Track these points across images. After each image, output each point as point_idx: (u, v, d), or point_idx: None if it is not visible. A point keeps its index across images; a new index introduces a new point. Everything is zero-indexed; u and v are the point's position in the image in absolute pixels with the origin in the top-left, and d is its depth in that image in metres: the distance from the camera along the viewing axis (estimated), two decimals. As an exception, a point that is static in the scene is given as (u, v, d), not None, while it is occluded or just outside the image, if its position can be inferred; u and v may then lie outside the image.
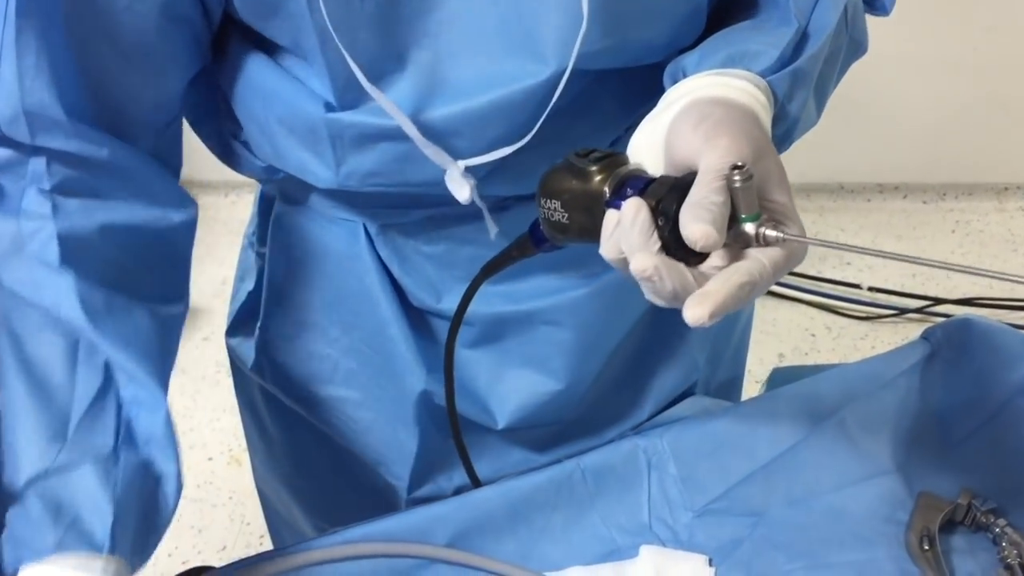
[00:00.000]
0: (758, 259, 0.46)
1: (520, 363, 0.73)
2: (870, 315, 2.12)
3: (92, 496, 0.52)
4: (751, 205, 0.46)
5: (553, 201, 0.53)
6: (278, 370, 0.80)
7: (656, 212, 0.47)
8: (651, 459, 0.73)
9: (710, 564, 0.67)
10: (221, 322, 2.54)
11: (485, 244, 0.66)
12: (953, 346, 0.78)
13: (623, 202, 0.48)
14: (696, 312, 0.44)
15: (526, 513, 0.70)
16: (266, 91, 0.63)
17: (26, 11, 0.53)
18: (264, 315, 0.78)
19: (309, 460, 0.86)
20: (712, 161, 0.46)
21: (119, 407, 0.56)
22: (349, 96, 0.60)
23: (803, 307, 2.15)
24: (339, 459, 0.81)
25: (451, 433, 0.72)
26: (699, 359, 0.79)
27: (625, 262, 0.47)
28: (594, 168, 0.50)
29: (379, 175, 0.63)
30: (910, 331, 2.09)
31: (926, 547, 0.67)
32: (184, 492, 1.92)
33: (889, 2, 0.66)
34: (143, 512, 0.54)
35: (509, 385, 0.74)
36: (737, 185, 0.45)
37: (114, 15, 0.56)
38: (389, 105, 0.58)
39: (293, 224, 0.73)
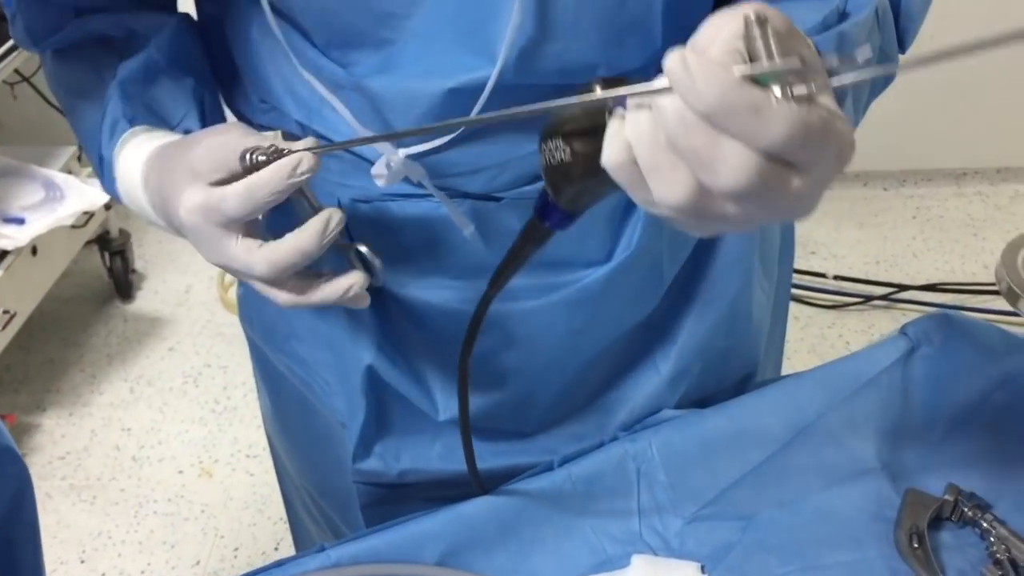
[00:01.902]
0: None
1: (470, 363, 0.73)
2: (836, 303, 2.14)
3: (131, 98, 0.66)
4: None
5: (554, 140, 0.47)
6: (262, 321, 0.81)
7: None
8: (640, 466, 0.72)
9: (703, 571, 0.67)
10: (187, 331, 2.53)
11: (445, 239, 0.66)
12: (932, 342, 0.78)
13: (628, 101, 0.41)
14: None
15: (516, 526, 0.69)
16: (265, 29, 0.64)
17: None
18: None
19: (289, 417, 0.86)
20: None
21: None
22: (333, 54, 0.62)
23: (770, 298, 2.17)
24: (311, 420, 0.81)
25: (397, 418, 0.73)
26: (671, 398, 0.77)
27: (631, 166, 0.41)
28: (598, 87, 0.43)
29: (348, 130, 0.64)
30: (876, 318, 2.11)
31: (916, 545, 0.67)
32: (154, 507, 1.92)
33: (910, 40, 0.63)
34: None
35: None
36: (755, 34, 0.38)
37: None
38: (326, 94, 0.61)
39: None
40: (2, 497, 0.73)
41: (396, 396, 0.74)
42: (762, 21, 0.38)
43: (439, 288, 0.69)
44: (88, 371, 2.07)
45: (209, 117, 0.68)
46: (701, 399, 0.79)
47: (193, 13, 0.72)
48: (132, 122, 0.65)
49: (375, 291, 0.73)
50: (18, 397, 2.00)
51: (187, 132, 0.65)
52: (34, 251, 1.81)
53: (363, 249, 0.60)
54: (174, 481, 1.83)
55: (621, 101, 0.41)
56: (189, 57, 0.69)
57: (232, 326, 2.11)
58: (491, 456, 0.74)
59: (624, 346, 0.75)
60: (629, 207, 0.69)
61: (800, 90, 0.37)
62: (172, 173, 0.58)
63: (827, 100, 0.39)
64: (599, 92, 0.42)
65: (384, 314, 0.73)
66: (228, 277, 2.25)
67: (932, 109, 2.30)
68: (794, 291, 2.17)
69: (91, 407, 1.99)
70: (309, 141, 0.56)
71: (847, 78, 0.39)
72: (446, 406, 0.74)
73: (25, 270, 1.79)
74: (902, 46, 0.64)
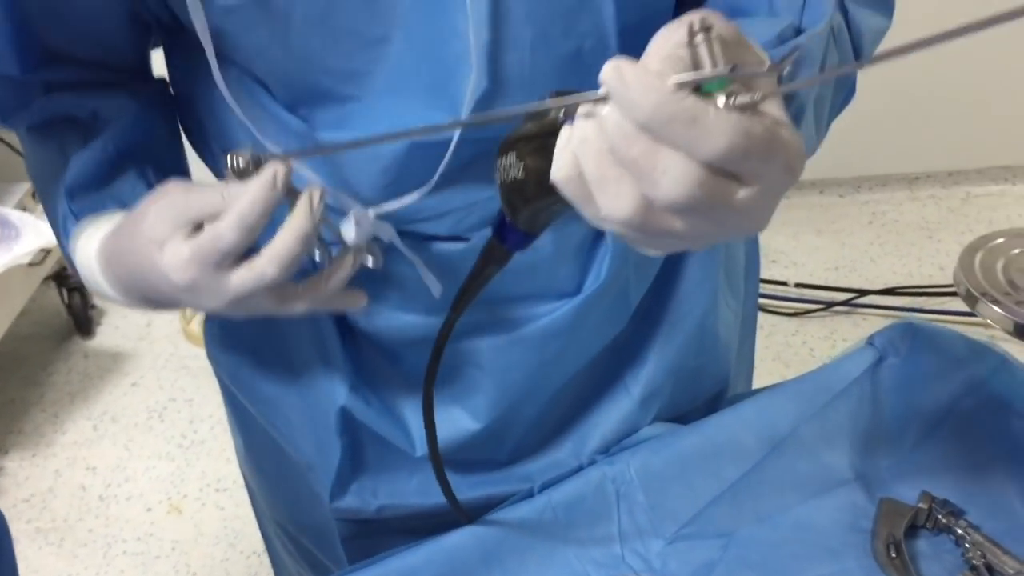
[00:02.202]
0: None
1: (446, 397, 0.73)
2: (799, 311, 2.17)
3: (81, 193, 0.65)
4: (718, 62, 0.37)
5: (508, 156, 0.46)
6: (230, 360, 0.80)
7: None
8: (620, 488, 0.73)
9: (686, 590, 0.67)
10: (150, 365, 2.49)
11: (415, 278, 0.66)
12: (899, 351, 0.79)
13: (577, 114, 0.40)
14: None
15: (499, 556, 0.69)
16: (243, 89, 0.64)
17: None
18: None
19: (259, 455, 0.86)
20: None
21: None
22: (300, 112, 0.62)
23: (734, 308, 2.19)
24: (282, 459, 0.81)
25: (373, 456, 0.73)
26: (643, 420, 0.77)
27: (578, 181, 0.40)
28: (550, 101, 0.42)
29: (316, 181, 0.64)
30: (838, 324, 2.14)
31: (893, 554, 0.68)
32: (124, 547, 1.88)
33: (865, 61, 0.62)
34: None
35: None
36: (699, 40, 0.37)
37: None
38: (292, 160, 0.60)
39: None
40: None
41: (371, 434, 0.73)
42: (706, 28, 0.37)
43: (412, 323, 0.69)
44: (50, 410, 2.03)
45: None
46: (674, 418, 0.79)
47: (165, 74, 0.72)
48: (78, 217, 0.64)
49: (346, 328, 0.72)
50: (-22, 440, 1.96)
51: None
52: (-9, 291, 1.78)
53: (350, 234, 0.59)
54: (143, 519, 1.80)
55: (570, 118, 0.41)
56: (148, 146, 0.68)
57: (196, 358, 2.08)
58: (468, 488, 0.74)
59: (594, 370, 0.75)
60: (597, 238, 0.69)
61: (744, 99, 0.36)
62: (134, 254, 0.57)
63: (774, 109, 0.39)
64: (549, 101, 0.42)
65: (356, 352, 0.73)
66: (190, 309, 2.22)
67: (884, 115, 2.34)
68: (757, 300, 2.20)
69: (54, 447, 1.95)
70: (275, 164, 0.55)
71: (795, 84, 0.39)
72: (423, 442, 0.73)
73: (-18, 310, 1.76)
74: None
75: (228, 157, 0.53)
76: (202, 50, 0.63)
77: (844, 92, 0.63)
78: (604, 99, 0.38)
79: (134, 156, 0.67)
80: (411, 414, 0.74)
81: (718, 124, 0.35)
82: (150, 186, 0.65)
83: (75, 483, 1.87)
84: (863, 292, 2.17)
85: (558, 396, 0.75)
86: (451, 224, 0.64)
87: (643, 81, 0.36)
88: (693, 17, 0.38)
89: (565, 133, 0.41)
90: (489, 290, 0.58)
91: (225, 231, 0.53)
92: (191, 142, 0.72)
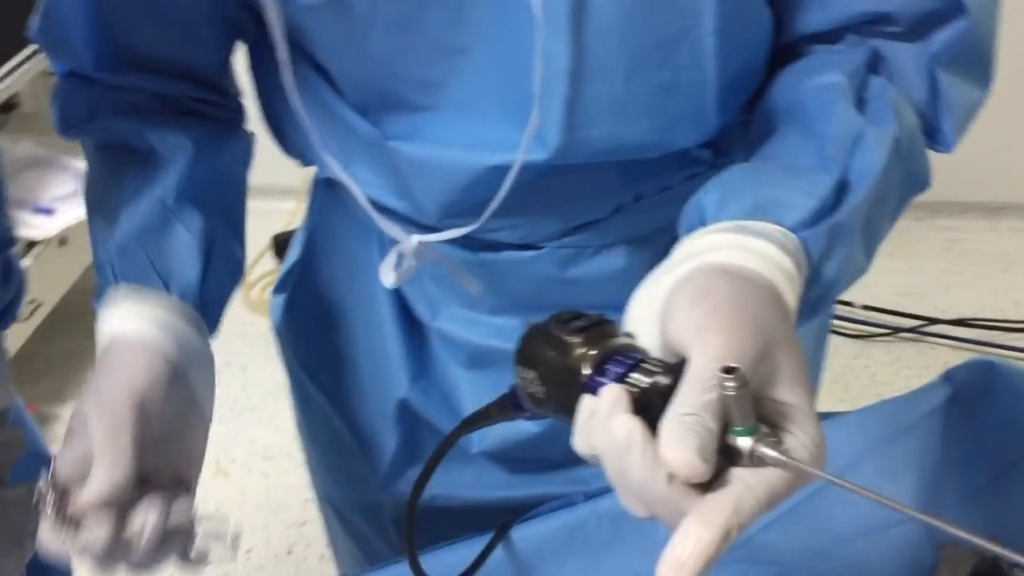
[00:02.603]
0: (751, 487, 0.38)
1: None
2: (863, 333, 2.11)
3: (129, 250, 0.62)
4: (746, 415, 0.37)
5: (529, 371, 0.46)
6: (297, 339, 0.81)
7: (638, 406, 0.39)
8: (669, 504, 0.71)
9: (730, 616, 0.65)
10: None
11: (482, 279, 0.66)
12: (975, 389, 0.76)
13: (602, 389, 0.40)
14: None
15: (537, 562, 0.68)
16: (311, 89, 0.63)
17: None
18: (293, 287, 0.81)
19: (315, 432, 0.87)
20: (702, 364, 0.38)
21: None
22: (369, 116, 0.61)
23: (797, 324, 2.15)
24: (337, 439, 0.82)
25: (428, 447, 0.73)
26: None
27: (598, 460, 0.41)
28: (575, 340, 0.43)
29: (379, 185, 0.64)
30: (903, 350, 2.08)
31: (952, 602, 0.65)
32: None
33: (952, 138, 0.59)
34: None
35: None
36: (730, 394, 0.37)
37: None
38: (346, 178, 0.61)
39: (327, 212, 0.76)
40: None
41: (428, 425, 0.73)
42: (742, 384, 0.37)
43: (477, 324, 0.69)
44: (109, 364, 2.07)
45: (216, 260, 0.64)
46: None
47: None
48: (118, 277, 0.61)
49: (409, 321, 0.72)
50: (39, 387, 2.00)
51: (182, 295, 0.61)
52: (62, 242, 1.81)
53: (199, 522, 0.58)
54: (189, 479, 1.82)
55: (597, 376, 0.41)
56: (202, 192, 0.65)
57: (254, 326, 2.10)
58: (520, 485, 0.73)
59: None
60: (669, 251, 0.68)
61: (769, 453, 0.37)
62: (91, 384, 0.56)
63: (794, 443, 0.39)
64: (579, 345, 0.43)
65: (419, 345, 0.73)
66: (252, 276, 2.24)
67: (969, 141, 2.26)
68: (821, 318, 2.15)
69: (110, 400, 1.99)
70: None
71: (829, 478, 0.40)
72: (481, 438, 0.73)
73: (52, 261, 1.80)
74: (947, 145, 0.60)
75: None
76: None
77: (911, 192, 0.58)
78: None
79: (191, 202, 0.63)
80: (468, 409, 0.72)
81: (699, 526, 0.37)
82: (206, 247, 0.63)
83: (127, 437, 1.91)
84: (932, 320, 2.11)
85: None
86: (522, 235, 0.64)
87: (643, 470, 0.37)
88: (728, 364, 0.38)
89: (586, 408, 0.42)
90: (555, 300, 0.57)
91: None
92: (271, 129, 0.71)
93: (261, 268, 2.28)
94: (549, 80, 0.53)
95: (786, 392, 0.39)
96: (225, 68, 0.68)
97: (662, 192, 0.64)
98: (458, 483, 0.75)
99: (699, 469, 0.36)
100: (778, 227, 0.46)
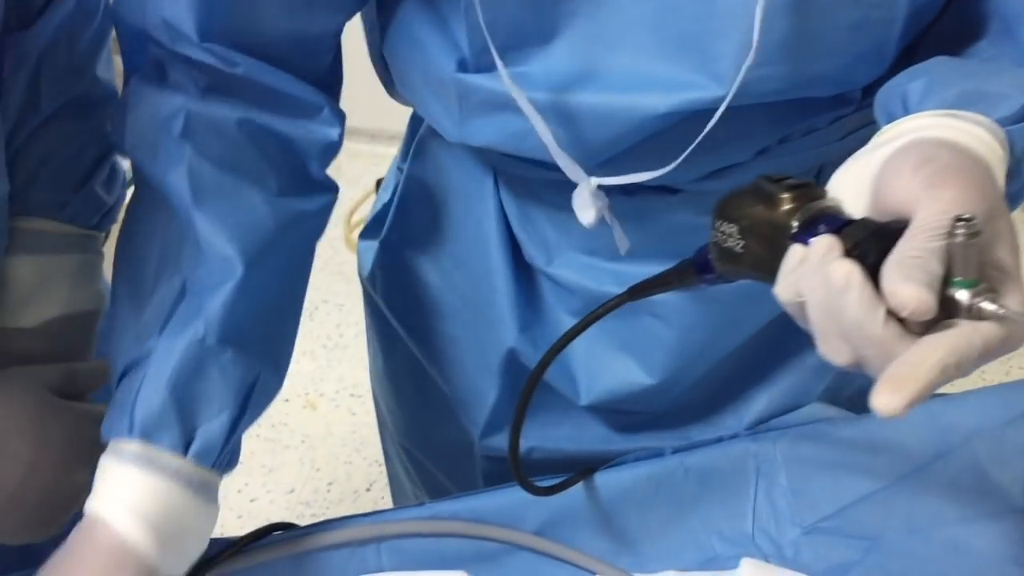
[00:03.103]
0: (968, 334, 0.38)
1: (618, 347, 0.70)
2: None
3: (156, 397, 0.55)
4: (969, 268, 0.38)
5: (730, 225, 0.46)
6: (389, 285, 0.80)
7: (851, 256, 0.40)
8: (760, 466, 0.68)
9: (816, 587, 0.63)
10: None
11: (605, 222, 0.62)
12: (1104, 381, 0.71)
13: (812, 239, 0.41)
14: (889, 401, 0.36)
15: (621, 508, 0.66)
16: (412, 38, 0.61)
17: None
18: (388, 228, 0.78)
19: (400, 380, 0.86)
20: (932, 213, 0.39)
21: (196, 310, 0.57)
22: (485, 59, 0.56)
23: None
24: (426, 387, 0.80)
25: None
26: (816, 387, 0.73)
27: (801, 307, 0.42)
28: (785, 195, 0.44)
29: (498, 144, 0.61)
30: (1017, 349, 1.98)
31: (1058, 599, 0.61)
32: (257, 431, 1.94)
33: None
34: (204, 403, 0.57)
35: (602, 366, 0.71)
36: (959, 240, 0.38)
37: None
38: (525, 104, 0.54)
39: (432, 150, 0.72)
40: None
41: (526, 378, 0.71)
42: (972, 233, 0.38)
43: (592, 269, 0.67)
44: (212, 290, 2.13)
45: (250, 409, 0.59)
46: (847, 396, 0.74)
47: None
48: (133, 428, 0.55)
49: (522, 267, 0.70)
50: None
51: (198, 457, 0.56)
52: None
53: None
54: (279, 408, 1.86)
55: (806, 233, 0.42)
56: (243, 328, 0.58)
57: (353, 266, 2.13)
58: (620, 440, 0.72)
59: (770, 333, 0.71)
60: None
61: (989, 307, 0.38)
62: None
63: (1015, 303, 0.39)
64: (785, 197, 0.44)
65: (530, 293, 0.71)
66: (355, 217, 2.27)
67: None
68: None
69: (210, 325, 2.05)
70: None
71: None
72: (588, 390, 0.71)
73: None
74: None
75: None
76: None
77: None
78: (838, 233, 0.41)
79: (232, 341, 0.57)
80: (578, 360, 0.71)
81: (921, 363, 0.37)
82: (245, 391, 0.58)
83: (223, 363, 1.96)
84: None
85: (731, 357, 0.71)
86: (666, 178, 0.60)
87: (861, 308, 0.38)
88: (961, 212, 0.38)
89: (795, 256, 0.42)
90: (683, 246, 0.54)
91: None
92: (385, 72, 0.68)
93: (364, 210, 2.30)
94: (737, 10, 0.51)
95: (1006, 256, 0.40)
96: (331, 57, 0.63)
97: (807, 135, 0.61)
98: (555, 436, 0.74)
99: (926, 302, 0.36)
100: (985, 119, 0.46)
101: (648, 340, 0.69)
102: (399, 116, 0.74)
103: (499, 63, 0.53)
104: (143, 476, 0.53)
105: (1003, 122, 0.46)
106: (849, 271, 0.38)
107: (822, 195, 0.45)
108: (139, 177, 0.59)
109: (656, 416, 0.73)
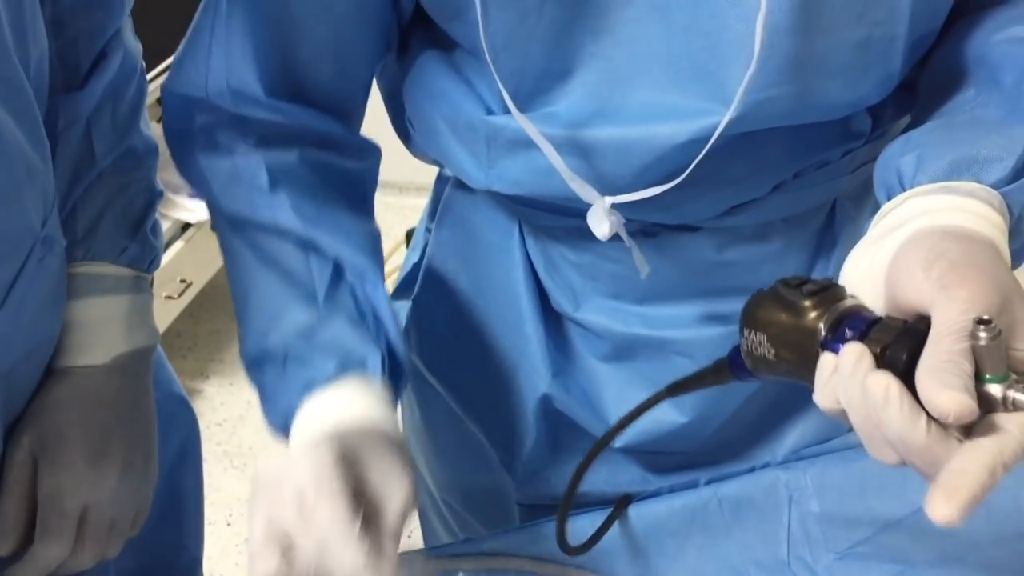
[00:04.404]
0: (1007, 428, 0.38)
1: (649, 388, 0.70)
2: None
3: (354, 336, 0.60)
4: (997, 364, 0.39)
5: (758, 334, 0.47)
6: (423, 341, 0.81)
7: (881, 361, 0.41)
8: (792, 494, 0.70)
9: (852, 611, 0.64)
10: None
11: (630, 264, 0.64)
12: None
13: (841, 345, 0.42)
14: (945, 511, 0.37)
15: (657, 537, 0.68)
16: (435, 90, 0.64)
17: (236, 2, 0.61)
18: (420, 287, 0.80)
19: (437, 433, 0.87)
20: (952, 317, 0.40)
21: (351, 287, 0.62)
22: (520, 100, 0.59)
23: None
24: (464, 439, 0.82)
25: (566, 444, 0.73)
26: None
27: (843, 413, 0.42)
28: (808, 303, 0.45)
29: (525, 184, 0.63)
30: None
31: (1095, 617, 0.61)
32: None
33: None
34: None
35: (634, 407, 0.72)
36: (983, 343, 0.38)
37: (311, 13, 0.61)
38: (536, 134, 0.57)
39: (458, 208, 0.75)
40: (172, 443, 0.77)
41: (568, 421, 0.73)
42: (994, 336, 0.38)
43: (619, 312, 0.68)
44: (250, 345, 2.17)
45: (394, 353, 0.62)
46: None
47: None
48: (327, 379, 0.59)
49: (550, 314, 0.72)
50: (185, 363, 2.11)
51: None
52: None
53: None
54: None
55: (835, 339, 0.43)
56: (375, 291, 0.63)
57: (387, 316, 2.17)
58: (656, 480, 0.73)
59: None
60: (827, 230, 0.67)
61: (1021, 396, 0.38)
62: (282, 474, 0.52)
63: None
64: (807, 305, 0.45)
65: (560, 338, 0.72)
66: (389, 265, 2.31)
67: None
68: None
69: (250, 379, 2.08)
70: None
71: None
72: (622, 433, 0.72)
73: (204, 243, 1.90)
74: None
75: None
76: (421, 44, 0.64)
77: None
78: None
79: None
80: (610, 402, 0.72)
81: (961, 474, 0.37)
82: (386, 346, 0.61)
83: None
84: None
85: (761, 393, 0.72)
86: (683, 214, 0.63)
87: (903, 421, 0.38)
88: (979, 314, 0.39)
89: (827, 366, 0.43)
90: (707, 284, 0.56)
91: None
92: (404, 131, 0.72)
93: (395, 261, 2.34)
94: (744, 39, 0.53)
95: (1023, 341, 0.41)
96: (365, 100, 0.69)
97: (821, 168, 0.63)
98: (592, 479, 0.74)
99: (968, 406, 0.37)
100: (979, 186, 0.47)
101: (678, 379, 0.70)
102: (426, 168, 0.77)
103: (512, 107, 0.57)
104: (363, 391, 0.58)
105: (997, 185, 0.47)
106: (887, 385, 0.39)
107: (843, 295, 0.46)
108: (242, 231, 0.64)
109: (690, 456, 0.74)
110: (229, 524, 1.77)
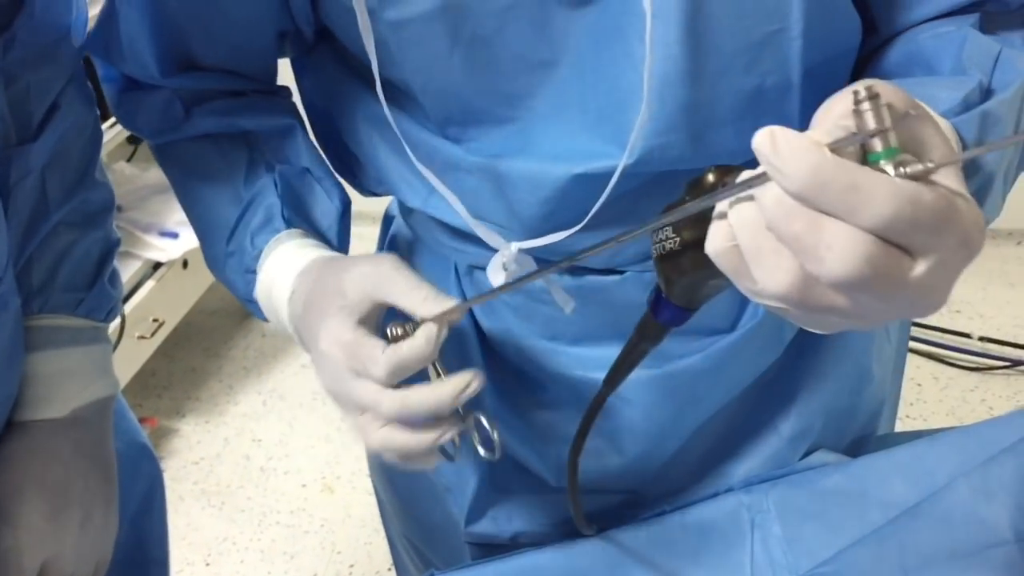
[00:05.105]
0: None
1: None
2: (980, 366, 2.03)
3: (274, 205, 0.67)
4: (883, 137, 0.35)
5: (664, 229, 0.45)
6: None
7: None
8: (755, 517, 0.71)
9: (815, 632, 0.65)
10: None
11: (556, 304, 0.66)
12: (1081, 412, 0.73)
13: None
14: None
15: (624, 567, 0.69)
16: (376, 118, 0.65)
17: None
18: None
19: (391, 469, 0.87)
20: (836, 98, 0.38)
21: (265, 157, 0.70)
22: (450, 131, 0.62)
23: (909, 355, 2.07)
24: (415, 476, 0.82)
25: (510, 482, 0.73)
26: (793, 456, 0.74)
27: (734, 252, 0.39)
28: (710, 175, 0.43)
29: (453, 213, 0.65)
30: (1023, 385, 1.99)
31: (1051, 627, 0.63)
32: (277, 518, 1.97)
33: None
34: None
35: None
36: (866, 107, 0.35)
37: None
38: (438, 184, 0.61)
39: (403, 245, 0.76)
40: (135, 493, 0.77)
41: (511, 461, 0.73)
42: (872, 96, 0.35)
43: (558, 355, 0.69)
44: (226, 382, 2.16)
45: (344, 227, 0.70)
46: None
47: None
48: (289, 224, 0.66)
49: (491, 354, 0.73)
50: (160, 402, 2.11)
51: (333, 248, 0.66)
52: (185, 264, 1.91)
53: (482, 418, 0.58)
54: (297, 494, 1.88)
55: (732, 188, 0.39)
56: (322, 159, 0.70)
57: (362, 348, 2.17)
58: (602, 518, 0.73)
59: (742, 406, 0.73)
60: None
61: (916, 168, 0.34)
62: (322, 295, 0.58)
63: (950, 180, 0.36)
64: (710, 180, 0.41)
65: (500, 379, 0.73)
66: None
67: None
68: (936, 351, 2.08)
69: (226, 416, 2.08)
70: (452, 302, 0.55)
71: (977, 151, 0.37)
72: (562, 474, 0.72)
73: (176, 282, 1.90)
74: None
75: (388, 329, 0.55)
76: (342, 66, 0.64)
77: None
78: (764, 177, 0.36)
79: (323, 165, 0.69)
80: (551, 444, 0.73)
81: (881, 189, 0.33)
82: (342, 209, 0.69)
83: (240, 452, 1.99)
84: (1055, 353, 2.01)
85: (703, 430, 0.73)
86: (605, 257, 0.63)
87: (797, 147, 0.34)
88: (858, 86, 0.36)
89: (723, 204, 0.40)
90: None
91: (380, 363, 0.54)
92: (327, 156, 0.73)
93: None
94: (637, 87, 0.54)
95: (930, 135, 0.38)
96: (275, 73, 0.72)
97: None
98: (540, 519, 0.75)
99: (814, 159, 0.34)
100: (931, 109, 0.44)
101: (615, 421, 0.70)
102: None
103: (412, 158, 0.61)
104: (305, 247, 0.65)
105: (947, 114, 0.46)
106: (768, 132, 0.35)
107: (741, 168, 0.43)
108: (172, 151, 0.71)
109: (635, 495, 0.75)
110: (208, 564, 1.76)
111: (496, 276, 0.64)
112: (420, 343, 0.54)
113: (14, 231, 0.64)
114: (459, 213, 0.61)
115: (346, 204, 0.70)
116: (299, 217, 0.67)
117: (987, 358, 2.04)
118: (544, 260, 0.64)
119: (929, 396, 1.98)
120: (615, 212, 0.58)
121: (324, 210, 0.69)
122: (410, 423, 0.55)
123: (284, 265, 0.64)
